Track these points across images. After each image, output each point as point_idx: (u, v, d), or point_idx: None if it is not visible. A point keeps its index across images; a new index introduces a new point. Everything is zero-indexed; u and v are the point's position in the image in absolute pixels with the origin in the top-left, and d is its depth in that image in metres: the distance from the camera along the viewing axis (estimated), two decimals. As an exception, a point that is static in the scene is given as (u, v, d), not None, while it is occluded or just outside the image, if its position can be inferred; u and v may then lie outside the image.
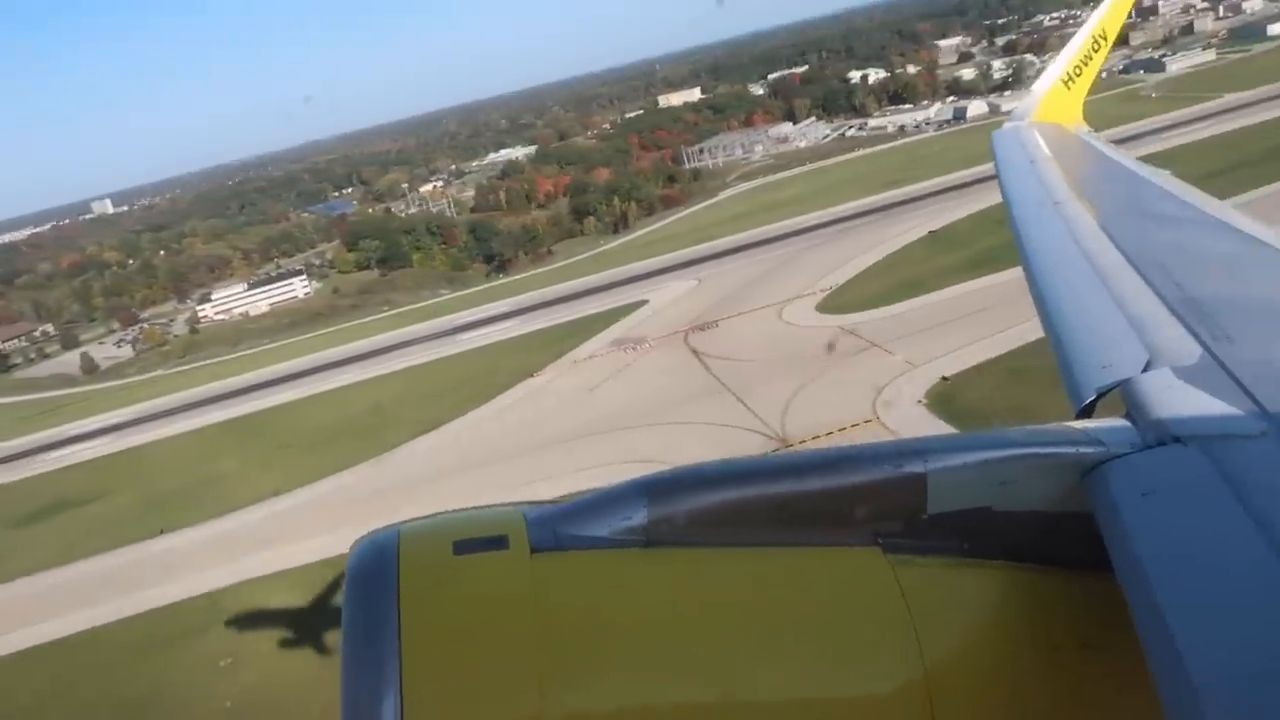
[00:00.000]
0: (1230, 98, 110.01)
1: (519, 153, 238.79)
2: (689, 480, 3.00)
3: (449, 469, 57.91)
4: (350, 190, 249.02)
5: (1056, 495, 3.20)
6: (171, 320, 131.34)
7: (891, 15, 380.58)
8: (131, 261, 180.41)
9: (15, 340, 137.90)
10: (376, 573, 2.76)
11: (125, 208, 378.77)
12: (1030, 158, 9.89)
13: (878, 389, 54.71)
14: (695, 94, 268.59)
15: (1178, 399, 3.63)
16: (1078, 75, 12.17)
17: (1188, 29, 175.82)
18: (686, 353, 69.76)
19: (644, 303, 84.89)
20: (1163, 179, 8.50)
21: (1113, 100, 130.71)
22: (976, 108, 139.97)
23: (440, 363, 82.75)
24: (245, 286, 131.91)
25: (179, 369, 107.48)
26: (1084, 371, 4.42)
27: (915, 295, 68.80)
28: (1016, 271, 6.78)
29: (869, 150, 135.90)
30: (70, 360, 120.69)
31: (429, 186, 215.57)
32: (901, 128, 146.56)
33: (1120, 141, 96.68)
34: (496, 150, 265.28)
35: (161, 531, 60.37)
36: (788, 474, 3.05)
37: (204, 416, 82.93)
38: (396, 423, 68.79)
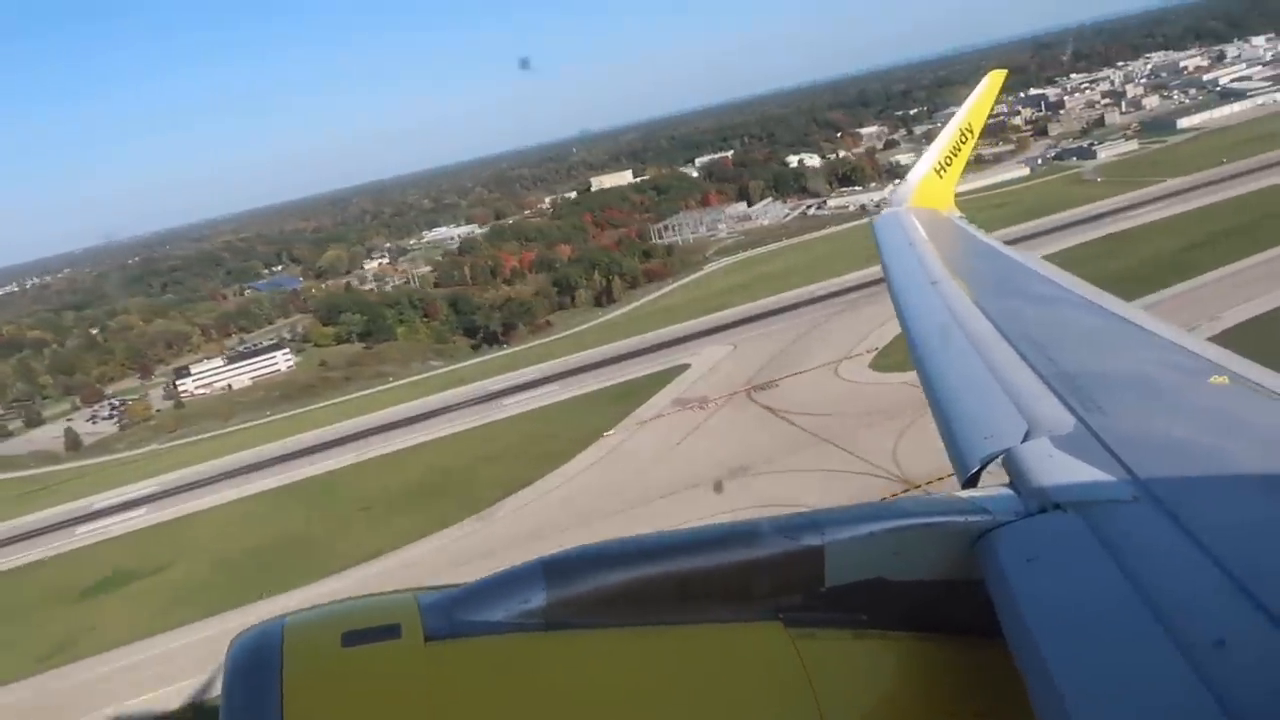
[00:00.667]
0: (1174, 182, 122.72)
1: (459, 230, 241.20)
2: (588, 560, 3.02)
3: (565, 522, 59.50)
4: (281, 268, 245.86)
5: (948, 563, 3.35)
6: (144, 395, 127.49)
7: (799, 103, 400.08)
8: (58, 340, 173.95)
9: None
10: (259, 667, 2.64)
11: (14, 287, 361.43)
12: (909, 240, 10.58)
13: (977, 434, 59.61)
14: (627, 176, 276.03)
15: (1056, 467, 3.90)
16: (948, 165, 13.30)
17: (1099, 122, 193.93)
18: (759, 409, 73.57)
19: (686, 366, 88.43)
20: (1029, 259, 9.24)
21: (1060, 183, 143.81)
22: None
23: (492, 427, 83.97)
24: (224, 361, 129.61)
25: (175, 443, 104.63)
26: (968, 442, 4.65)
27: (966, 354, 74.36)
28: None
29: (839, 228, 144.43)
30: (41, 437, 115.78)
31: (373, 264, 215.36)
32: (862, 207, 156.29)
33: (1093, 219, 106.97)
34: (429, 228, 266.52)
35: (261, 596, 59.80)
36: (687, 551, 3.10)
37: (247, 485, 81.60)
38: (479, 482, 69.82)
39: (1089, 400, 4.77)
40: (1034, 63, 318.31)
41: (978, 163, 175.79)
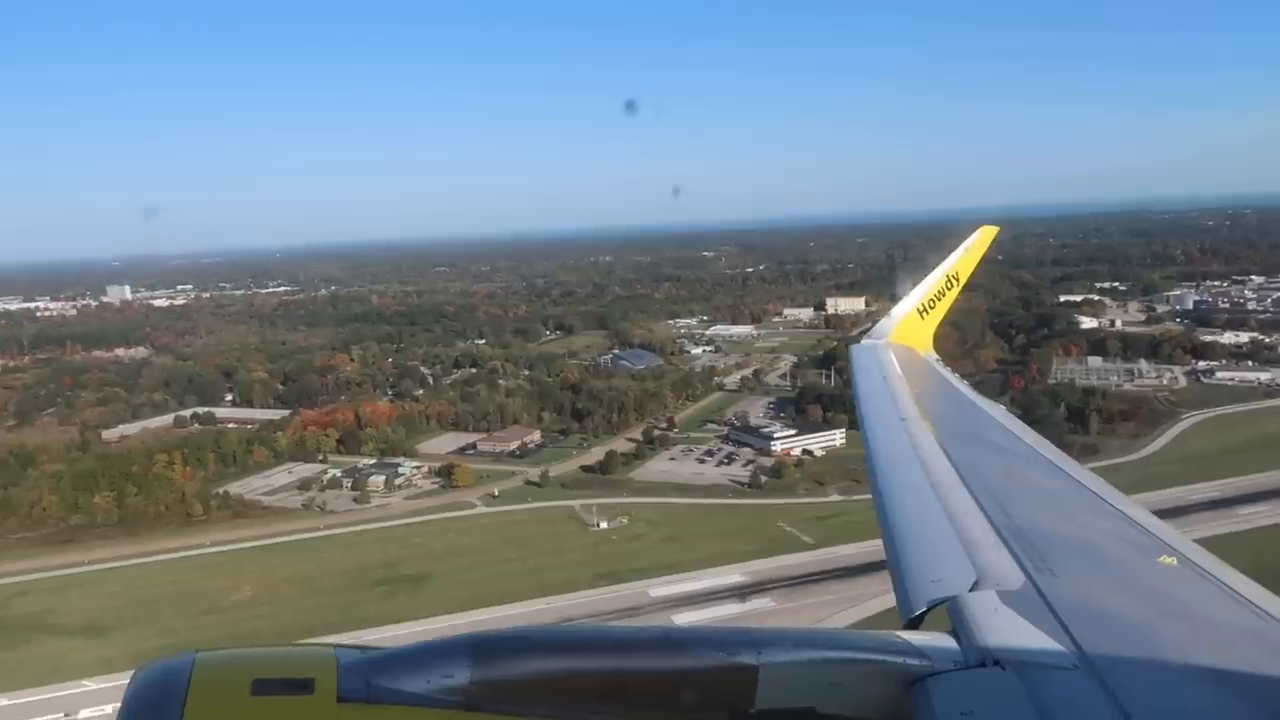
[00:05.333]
0: None
1: (735, 330, 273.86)
2: (517, 644, 3.27)
3: None
4: (552, 334, 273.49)
5: (882, 704, 3.64)
6: (720, 448, 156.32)
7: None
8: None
9: (520, 446, 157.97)
10: (157, 706, 2.73)
11: (166, 301, 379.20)
12: (884, 374, 12.24)
13: None
14: (860, 303, 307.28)
15: (1001, 623, 4.27)
16: (931, 308, 15.31)
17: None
18: None
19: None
20: (998, 411, 10.94)
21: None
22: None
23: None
24: (795, 430, 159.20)
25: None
26: (915, 583, 5.10)
27: None
28: None
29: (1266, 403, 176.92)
30: (680, 470, 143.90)
31: (697, 349, 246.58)
32: (1260, 383, 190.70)
33: None
34: (668, 318, 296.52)
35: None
36: (619, 650, 3.38)
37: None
38: None
39: (1040, 559, 5.21)
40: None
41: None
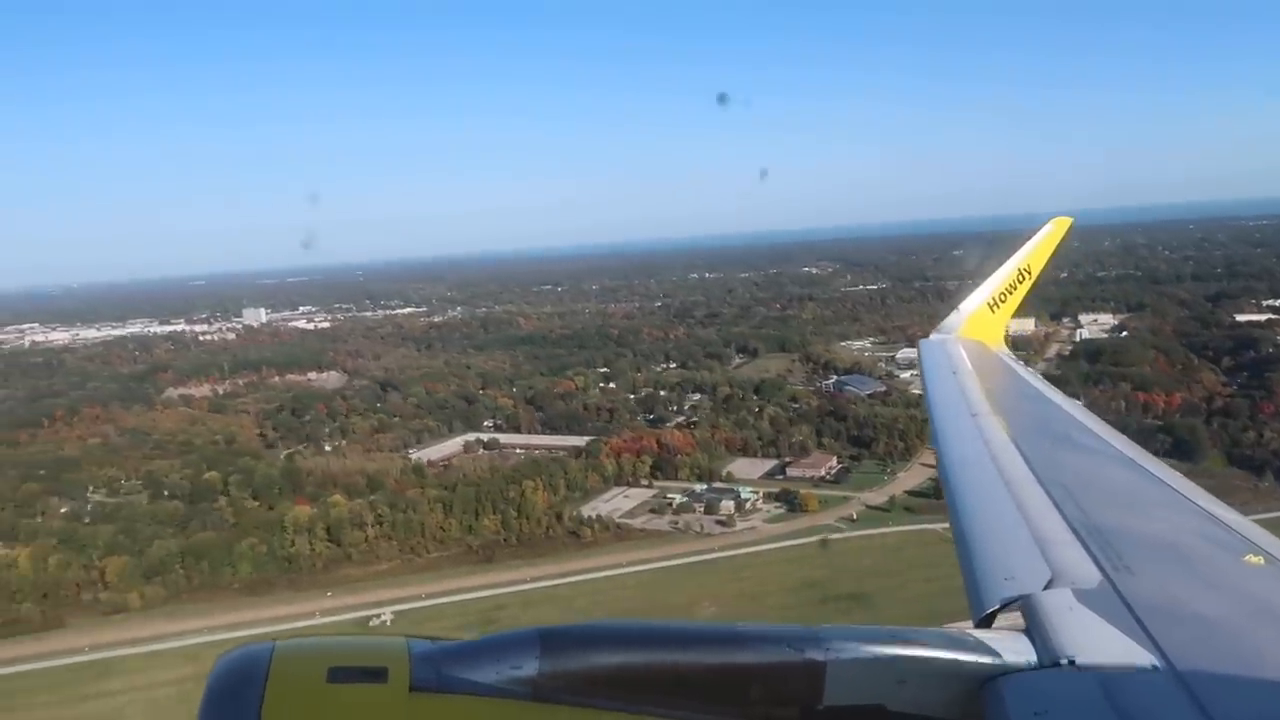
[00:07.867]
0: None
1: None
2: (585, 637, 3.49)
3: None
4: (741, 360, 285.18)
5: (951, 702, 3.78)
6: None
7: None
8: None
9: (829, 470, 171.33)
10: (239, 691, 3.00)
11: (308, 323, 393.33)
12: (954, 369, 12.55)
13: None
14: (1030, 324, 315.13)
15: (1076, 622, 4.34)
16: (1002, 301, 15.65)
17: None
18: None
19: None
20: (1073, 406, 11.06)
21: None
22: None
23: None
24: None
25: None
26: (988, 581, 5.23)
27: None
28: None
29: None
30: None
31: (904, 373, 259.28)
32: None
33: None
34: (840, 340, 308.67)
35: None
36: (687, 644, 3.57)
37: None
38: None
39: (1117, 558, 5.31)
40: None
41: None
